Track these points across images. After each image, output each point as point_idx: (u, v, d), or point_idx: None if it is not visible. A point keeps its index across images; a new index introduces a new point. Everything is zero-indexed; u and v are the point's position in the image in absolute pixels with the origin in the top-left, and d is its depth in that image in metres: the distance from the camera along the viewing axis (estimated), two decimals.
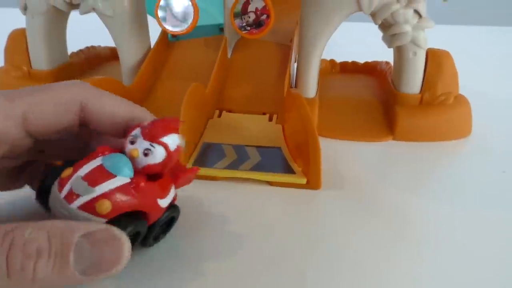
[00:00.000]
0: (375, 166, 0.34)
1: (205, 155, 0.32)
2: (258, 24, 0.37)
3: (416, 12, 0.34)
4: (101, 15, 0.38)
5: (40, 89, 0.21)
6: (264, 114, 0.38)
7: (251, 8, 0.36)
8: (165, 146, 0.20)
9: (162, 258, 0.24)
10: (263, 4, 0.36)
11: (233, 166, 0.31)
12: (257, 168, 0.31)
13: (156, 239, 0.24)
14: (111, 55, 0.51)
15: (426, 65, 0.36)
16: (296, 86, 0.39)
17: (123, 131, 0.22)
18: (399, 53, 0.36)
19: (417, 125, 0.36)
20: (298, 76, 0.39)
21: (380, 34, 0.36)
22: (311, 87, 0.38)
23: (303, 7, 0.36)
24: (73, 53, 0.45)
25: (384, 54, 0.47)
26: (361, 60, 0.49)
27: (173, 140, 0.20)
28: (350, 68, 0.49)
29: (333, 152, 0.35)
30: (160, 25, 0.38)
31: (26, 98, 0.20)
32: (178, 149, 0.21)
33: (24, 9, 0.38)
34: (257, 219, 0.27)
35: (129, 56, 0.40)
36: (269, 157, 0.32)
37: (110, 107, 0.22)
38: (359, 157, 0.34)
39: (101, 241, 0.17)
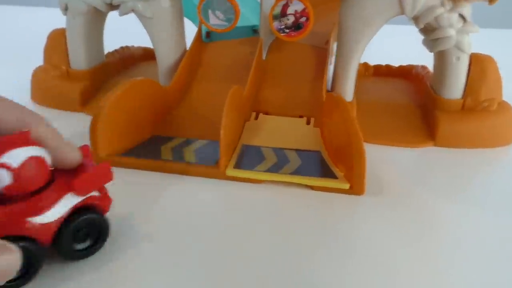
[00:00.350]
0: (416, 172, 0.33)
1: (245, 157, 0.32)
2: (297, 26, 0.36)
3: (461, 16, 0.33)
4: (140, 17, 0.38)
5: None
6: (301, 117, 0.38)
7: (290, 10, 0.36)
8: (5, 166, 0.19)
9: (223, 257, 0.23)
10: (303, 6, 0.35)
11: (274, 169, 0.31)
12: (298, 172, 0.30)
13: (85, 249, 0.23)
14: (144, 55, 0.52)
15: (469, 70, 0.36)
16: (332, 90, 0.39)
17: None
18: (442, 57, 0.36)
19: (459, 131, 0.35)
20: (336, 80, 0.38)
21: (412, 36, 0.36)
22: (348, 91, 0.38)
23: (343, 10, 0.36)
24: (108, 53, 0.46)
25: (417, 57, 0.47)
26: (393, 63, 0.48)
27: (17, 156, 0.19)
28: (383, 71, 0.48)
29: (372, 157, 0.34)
30: (203, 22, 0.38)
31: None
32: (30, 161, 0.20)
33: (65, 9, 0.39)
34: (302, 223, 0.27)
35: (166, 57, 0.40)
36: (309, 160, 0.32)
37: None
38: (399, 163, 0.34)
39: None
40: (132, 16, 0.39)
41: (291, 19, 0.36)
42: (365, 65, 0.48)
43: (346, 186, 0.29)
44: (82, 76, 0.41)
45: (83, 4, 0.38)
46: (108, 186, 0.24)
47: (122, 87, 0.32)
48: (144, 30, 0.39)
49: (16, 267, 0.19)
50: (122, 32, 0.50)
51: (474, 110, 0.36)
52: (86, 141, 0.34)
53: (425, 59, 0.45)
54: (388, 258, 0.24)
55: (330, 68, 0.40)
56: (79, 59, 0.41)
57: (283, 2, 0.35)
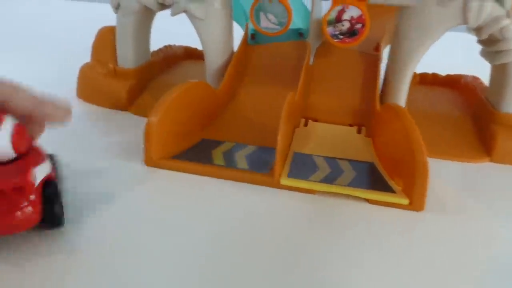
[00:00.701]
0: (473, 188, 0.32)
1: (297, 166, 0.31)
2: (352, 33, 0.35)
3: None
4: (192, 17, 0.38)
5: None
6: (350, 125, 0.37)
7: (345, 16, 0.35)
8: None
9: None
10: (360, 13, 0.35)
11: (328, 179, 0.30)
12: (354, 183, 0.30)
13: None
14: (185, 54, 0.51)
15: None
16: (383, 98, 0.38)
17: None
18: (503, 70, 0.34)
19: None
20: (388, 89, 0.37)
21: (457, 44, 0.34)
22: (401, 101, 0.37)
23: (402, 19, 0.35)
24: (153, 52, 0.46)
25: (462, 66, 0.46)
26: (437, 71, 0.47)
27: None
28: (430, 80, 0.47)
29: None
30: (254, 25, 0.37)
31: None
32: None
33: (116, 7, 0.39)
34: (358, 238, 0.26)
35: (215, 58, 0.40)
36: (364, 172, 0.31)
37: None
38: (454, 178, 0.33)
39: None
40: (169, 15, 0.38)
41: (346, 25, 0.35)
42: None
43: (406, 201, 0.28)
44: (129, 75, 0.41)
45: (136, 3, 0.38)
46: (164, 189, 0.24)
47: (177, 90, 0.32)
48: (183, 29, 0.39)
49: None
50: (161, 30, 0.49)
51: None
52: (133, 141, 0.34)
53: (469, 67, 0.44)
54: (449, 277, 0.23)
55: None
56: (127, 58, 0.41)
57: (339, 8, 0.35)
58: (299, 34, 0.47)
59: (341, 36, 0.36)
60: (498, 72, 0.35)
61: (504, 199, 0.31)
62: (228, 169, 0.31)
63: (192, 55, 0.52)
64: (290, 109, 0.31)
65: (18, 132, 0.23)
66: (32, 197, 0.22)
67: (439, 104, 0.43)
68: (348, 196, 0.29)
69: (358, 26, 0.35)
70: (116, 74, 0.41)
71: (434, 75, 0.47)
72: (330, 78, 0.41)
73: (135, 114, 0.40)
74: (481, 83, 0.41)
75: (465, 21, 0.32)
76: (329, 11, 0.35)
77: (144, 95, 0.42)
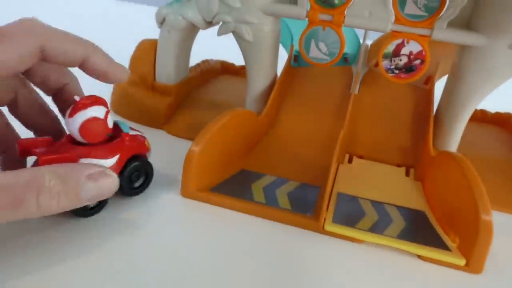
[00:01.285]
0: None
1: (343, 209, 0.29)
2: (408, 68, 0.33)
3: None
4: (239, 39, 0.36)
5: (3, 40, 0.22)
6: (398, 165, 0.35)
7: (404, 51, 0.33)
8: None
9: None
10: (420, 48, 0.32)
11: (377, 228, 0.28)
12: (404, 236, 0.27)
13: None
14: (222, 69, 0.50)
15: None
16: (433, 139, 0.36)
17: (79, 63, 0.25)
18: None
19: None
20: (440, 130, 0.35)
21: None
22: (454, 144, 0.35)
23: (462, 58, 0.32)
24: (191, 67, 0.44)
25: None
26: (485, 107, 0.45)
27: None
28: (478, 117, 0.45)
29: None
30: (302, 54, 0.35)
31: None
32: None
33: (161, 23, 0.37)
34: None
35: (258, 82, 0.38)
36: (414, 222, 0.29)
37: (65, 47, 0.24)
38: (510, 233, 0.30)
39: (99, 178, 0.23)
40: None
41: (403, 60, 0.33)
42: None
43: (462, 262, 0.26)
44: (168, 91, 0.40)
45: (182, 20, 0.36)
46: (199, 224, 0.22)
47: (222, 119, 0.30)
48: (218, 42, 0.37)
49: (115, 189, 0.24)
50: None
51: None
52: (168, 166, 0.32)
53: None
54: None
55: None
56: (167, 74, 0.39)
57: (398, 41, 0.33)
58: (344, 59, 0.45)
59: (397, 71, 0.34)
60: None
61: None
62: (270, 208, 0.29)
63: (228, 70, 0.50)
64: (343, 148, 0.30)
65: (90, 125, 0.26)
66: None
67: (493, 147, 0.40)
68: (396, 248, 0.27)
69: (417, 62, 0.33)
70: (154, 89, 0.40)
71: (483, 112, 0.45)
72: (377, 111, 0.39)
73: (170, 133, 0.39)
74: None
75: None
76: (387, 43, 0.33)
77: (180, 113, 0.40)
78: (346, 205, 0.30)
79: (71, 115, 0.25)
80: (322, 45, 0.35)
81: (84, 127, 0.25)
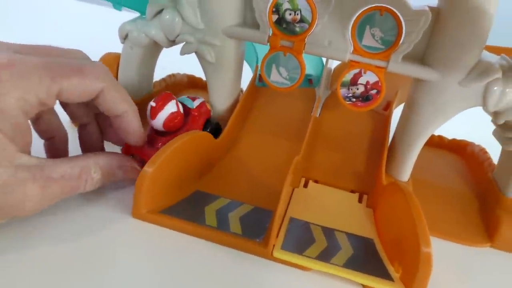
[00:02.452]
0: (472, 275, 0.31)
1: (293, 235, 0.30)
2: (365, 97, 0.34)
3: None
4: (202, 59, 0.36)
5: (74, 73, 0.26)
6: (352, 191, 0.35)
7: (361, 80, 0.34)
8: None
9: None
10: (376, 79, 0.33)
11: (325, 256, 0.28)
12: (350, 264, 0.28)
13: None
14: (188, 83, 0.50)
15: None
16: (387, 165, 0.37)
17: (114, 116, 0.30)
18: None
19: None
20: (394, 156, 0.36)
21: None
22: (407, 171, 0.36)
23: (416, 90, 0.33)
24: (156, 82, 0.44)
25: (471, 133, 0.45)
26: (443, 133, 0.46)
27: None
28: (435, 142, 0.46)
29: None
30: (263, 78, 0.36)
31: (63, 80, 0.26)
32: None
33: (124, 38, 0.37)
34: None
35: (220, 103, 0.38)
36: (362, 250, 0.30)
37: (112, 101, 0.29)
38: (452, 262, 0.31)
39: (128, 170, 0.31)
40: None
41: (360, 89, 0.34)
42: None
43: None
44: None
45: (145, 37, 0.36)
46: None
47: (177, 141, 0.30)
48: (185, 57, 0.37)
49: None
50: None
51: None
52: (123, 182, 0.32)
53: (477, 136, 0.43)
54: None
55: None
56: (129, 90, 0.39)
57: (356, 71, 0.33)
58: (309, 80, 0.46)
59: (354, 99, 0.34)
60: (509, 156, 0.34)
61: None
62: (220, 232, 0.29)
63: (196, 84, 0.50)
64: (295, 174, 0.30)
65: (170, 119, 0.33)
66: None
67: (446, 174, 0.41)
68: (344, 278, 0.28)
69: (373, 92, 0.34)
70: None
71: (440, 138, 0.46)
72: (336, 135, 0.40)
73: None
74: (488, 158, 0.40)
75: (484, 104, 0.31)
76: (345, 72, 0.34)
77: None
78: (297, 230, 0.30)
79: (153, 117, 0.33)
80: (282, 70, 0.35)
81: (166, 123, 0.33)
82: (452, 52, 0.31)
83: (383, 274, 0.28)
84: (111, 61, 0.40)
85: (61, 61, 0.26)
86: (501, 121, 0.32)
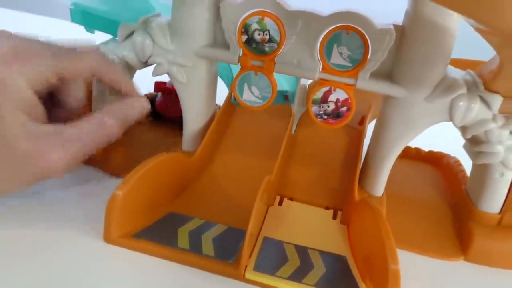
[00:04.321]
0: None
1: (266, 255, 0.30)
2: (336, 115, 0.35)
3: None
4: (174, 79, 0.36)
5: (69, 56, 0.30)
6: (327, 208, 0.36)
7: (332, 98, 0.34)
8: None
9: None
10: (346, 96, 0.34)
11: (297, 276, 0.28)
12: (322, 282, 0.28)
13: None
14: None
15: (511, 186, 0.34)
16: (361, 180, 0.37)
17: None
18: (484, 169, 0.34)
19: (495, 249, 0.33)
20: (367, 172, 0.36)
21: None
22: (380, 187, 0.36)
23: (386, 107, 0.34)
24: None
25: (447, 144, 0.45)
26: (421, 145, 0.46)
27: None
28: (412, 154, 0.47)
29: None
30: (236, 96, 0.36)
31: (61, 62, 0.30)
32: None
33: None
34: None
35: (194, 122, 0.38)
36: (334, 268, 0.30)
37: (110, 79, 0.33)
38: (425, 275, 0.32)
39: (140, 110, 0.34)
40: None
41: (331, 106, 0.34)
42: None
43: None
44: None
45: (116, 58, 0.36)
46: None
47: (149, 163, 0.30)
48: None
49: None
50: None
51: None
52: (96, 204, 0.32)
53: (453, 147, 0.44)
54: None
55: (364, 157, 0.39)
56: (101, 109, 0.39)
57: (326, 89, 0.34)
58: (285, 97, 0.46)
59: (325, 117, 0.35)
60: (479, 169, 0.35)
61: None
62: (192, 254, 0.29)
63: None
64: (267, 192, 0.30)
65: None
66: None
67: (421, 187, 0.42)
68: None
69: (343, 109, 0.34)
70: None
71: (417, 150, 0.47)
72: (311, 152, 0.40)
73: (105, 171, 0.38)
74: (462, 170, 0.41)
75: (450, 119, 0.32)
76: (315, 90, 0.34)
77: (115, 149, 0.40)
78: (270, 250, 0.30)
79: None
80: (254, 89, 0.36)
81: None
82: (417, 69, 0.31)
83: None
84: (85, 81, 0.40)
85: (59, 44, 0.31)
86: (468, 136, 0.32)
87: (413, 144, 0.46)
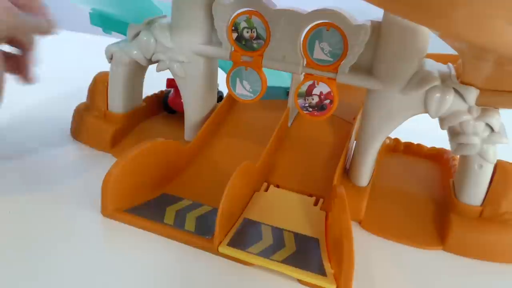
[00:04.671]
0: (419, 276, 0.32)
1: (242, 234, 0.32)
2: (320, 107, 0.37)
3: (488, 125, 0.32)
4: (174, 75, 0.40)
5: None
6: (310, 195, 0.38)
7: (315, 91, 0.36)
8: None
9: None
10: (329, 89, 0.36)
11: (266, 253, 0.31)
12: (290, 260, 0.30)
13: None
14: None
15: (492, 177, 0.34)
16: (349, 171, 0.39)
17: None
18: (464, 161, 0.34)
19: (472, 241, 0.33)
20: (353, 164, 0.38)
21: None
22: (364, 177, 0.37)
23: (368, 100, 0.35)
24: (147, 97, 0.48)
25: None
26: (425, 140, 0.47)
27: None
28: (414, 150, 0.47)
29: (374, 251, 0.33)
30: (229, 90, 0.39)
31: None
32: None
33: (110, 58, 0.42)
34: None
35: (195, 114, 0.42)
36: (305, 248, 0.32)
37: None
38: (402, 263, 0.33)
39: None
40: None
41: (315, 99, 0.36)
42: (395, 141, 0.47)
43: (333, 286, 0.28)
44: (116, 119, 0.44)
45: (126, 56, 0.41)
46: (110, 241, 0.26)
47: (142, 145, 0.34)
48: None
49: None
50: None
51: (492, 220, 0.34)
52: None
53: None
54: None
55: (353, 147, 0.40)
56: (116, 103, 0.44)
57: (310, 82, 0.36)
58: (287, 93, 0.49)
59: (311, 109, 0.37)
60: (461, 162, 0.35)
61: None
62: (173, 229, 0.32)
63: None
64: (242, 176, 0.33)
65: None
66: None
67: (415, 182, 0.42)
68: (282, 273, 0.30)
69: (327, 101, 0.36)
70: (105, 117, 0.44)
71: (419, 146, 0.47)
72: (303, 143, 0.42)
73: (116, 156, 0.43)
74: (455, 165, 0.41)
75: (426, 111, 0.33)
76: (300, 84, 0.36)
77: (129, 139, 0.44)
78: (247, 230, 0.33)
79: None
80: (245, 83, 0.38)
81: None
82: (393, 63, 0.33)
83: (318, 270, 0.30)
84: (102, 79, 0.44)
85: None
86: (445, 127, 0.33)
87: (420, 140, 0.47)
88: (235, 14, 0.36)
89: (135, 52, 0.40)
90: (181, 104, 0.48)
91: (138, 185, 0.35)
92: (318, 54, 0.35)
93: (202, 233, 0.32)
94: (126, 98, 0.44)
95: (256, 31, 0.36)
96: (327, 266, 0.30)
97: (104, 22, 0.43)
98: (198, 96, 0.41)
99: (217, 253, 0.31)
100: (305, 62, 0.36)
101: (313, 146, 0.42)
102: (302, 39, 0.35)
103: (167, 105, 0.49)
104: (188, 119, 0.42)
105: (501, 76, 0.30)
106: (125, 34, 0.43)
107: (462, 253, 0.34)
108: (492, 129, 0.32)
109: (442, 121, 0.33)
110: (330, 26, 0.34)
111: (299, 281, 0.30)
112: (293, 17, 0.34)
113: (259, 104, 0.47)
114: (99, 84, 0.44)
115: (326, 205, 0.36)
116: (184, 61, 0.39)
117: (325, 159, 0.41)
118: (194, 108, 0.42)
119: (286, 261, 0.30)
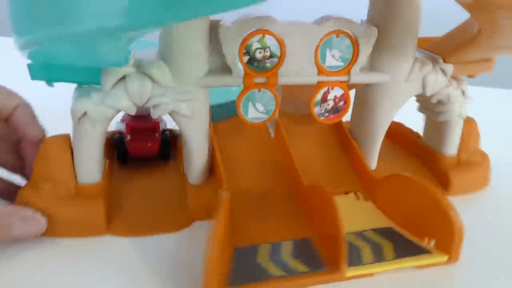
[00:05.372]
0: None
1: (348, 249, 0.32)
2: (335, 110, 0.38)
3: (462, 91, 0.41)
4: (177, 115, 0.34)
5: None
6: (346, 193, 0.40)
7: (330, 96, 0.37)
8: None
9: None
10: (342, 92, 0.37)
11: (379, 258, 0.31)
12: (401, 254, 0.32)
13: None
14: None
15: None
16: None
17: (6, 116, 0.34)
18: (445, 124, 0.42)
19: (467, 180, 0.42)
20: (363, 151, 0.41)
21: None
22: (374, 161, 0.42)
23: (373, 92, 0.39)
24: None
25: None
26: None
27: None
28: None
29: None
30: (241, 118, 0.36)
31: None
32: None
33: (80, 118, 0.32)
34: None
35: (201, 156, 0.37)
36: (392, 238, 0.34)
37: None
38: None
39: (30, 221, 0.31)
40: None
41: (331, 104, 0.38)
42: None
43: (445, 258, 0.32)
44: (98, 190, 0.34)
45: (110, 109, 0.32)
46: None
47: (219, 218, 0.29)
48: None
49: (41, 231, 0.32)
50: None
51: (468, 162, 0.43)
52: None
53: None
54: None
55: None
56: (90, 172, 0.34)
57: (325, 90, 0.37)
58: None
59: (326, 114, 0.38)
60: (438, 125, 0.43)
61: None
62: (294, 277, 0.29)
63: None
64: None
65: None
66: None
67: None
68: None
69: (341, 103, 0.38)
70: (79, 194, 0.34)
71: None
72: (301, 148, 0.43)
73: (119, 235, 0.34)
74: (408, 128, 0.49)
75: (423, 91, 0.39)
76: (315, 94, 0.37)
77: (120, 208, 0.36)
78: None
79: None
80: (259, 105, 0.36)
81: None
82: (395, 57, 0.37)
83: (422, 250, 0.33)
84: (64, 146, 0.33)
85: None
86: (435, 101, 0.40)
87: None
88: (245, 36, 0.33)
89: (125, 102, 0.32)
90: (145, 148, 0.41)
91: (224, 252, 0.30)
92: (330, 61, 0.36)
93: (316, 268, 0.31)
94: (101, 161, 0.35)
95: (270, 50, 0.34)
96: (421, 243, 0.33)
97: (50, 72, 0.31)
98: (204, 133, 0.36)
99: (343, 279, 0.30)
100: (317, 72, 0.36)
101: (308, 146, 0.43)
102: (314, 50, 0.35)
103: (124, 153, 0.41)
104: (195, 161, 0.36)
105: None
106: (81, 82, 0.33)
107: (461, 192, 0.42)
108: (463, 93, 0.41)
109: (433, 96, 0.40)
110: (340, 33, 0.35)
111: (418, 267, 0.32)
112: (307, 30, 0.34)
113: (231, 126, 0.44)
114: (61, 153, 0.33)
115: (368, 196, 0.39)
116: (191, 98, 0.33)
117: (326, 156, 0.43)
118: (203, 147, 0.36)
119: (399, 256, 0.32)
